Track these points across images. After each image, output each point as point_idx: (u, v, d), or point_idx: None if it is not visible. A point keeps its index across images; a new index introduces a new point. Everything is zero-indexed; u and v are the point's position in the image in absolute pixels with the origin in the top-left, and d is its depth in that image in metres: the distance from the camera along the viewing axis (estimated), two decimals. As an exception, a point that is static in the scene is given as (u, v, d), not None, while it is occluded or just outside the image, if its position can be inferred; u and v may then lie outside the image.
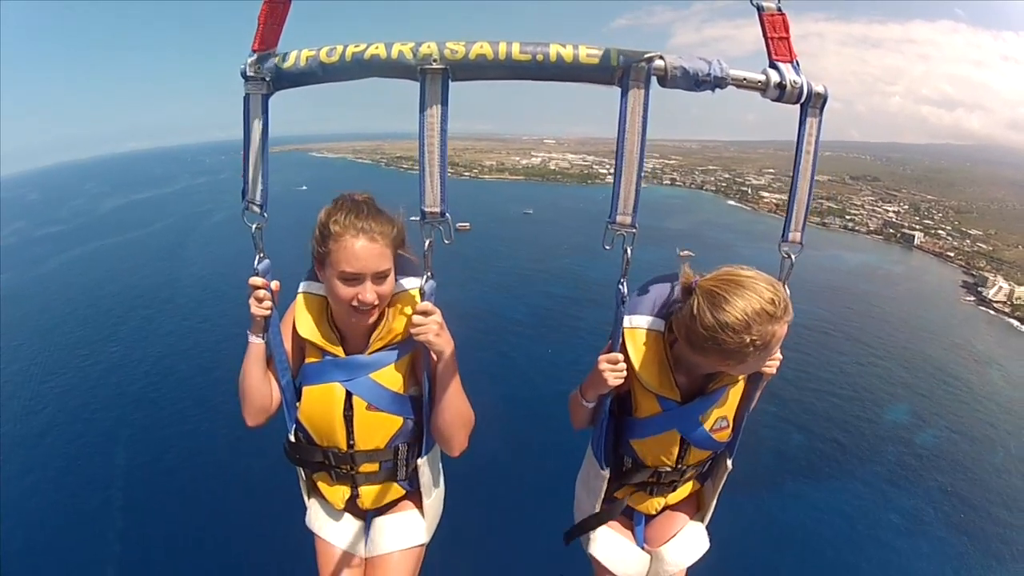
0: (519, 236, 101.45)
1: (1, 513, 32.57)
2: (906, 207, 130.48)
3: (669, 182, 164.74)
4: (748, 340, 1.85)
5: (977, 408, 52.44)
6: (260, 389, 2.17)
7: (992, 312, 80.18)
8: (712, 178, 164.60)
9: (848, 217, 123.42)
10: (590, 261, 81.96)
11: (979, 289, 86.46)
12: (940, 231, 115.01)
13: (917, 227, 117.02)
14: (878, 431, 47.04)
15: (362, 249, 1.99)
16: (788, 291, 1.97)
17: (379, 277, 2.05)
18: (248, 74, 1.81)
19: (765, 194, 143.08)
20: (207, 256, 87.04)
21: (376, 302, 2.06)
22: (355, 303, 2.04)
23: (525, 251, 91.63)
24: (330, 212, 2.05)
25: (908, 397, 53.23)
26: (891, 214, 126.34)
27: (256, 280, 2.03)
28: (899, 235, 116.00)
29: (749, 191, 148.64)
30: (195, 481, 36.13)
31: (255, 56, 1.80)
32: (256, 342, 2.13)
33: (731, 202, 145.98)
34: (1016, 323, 76.62)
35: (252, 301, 2.05)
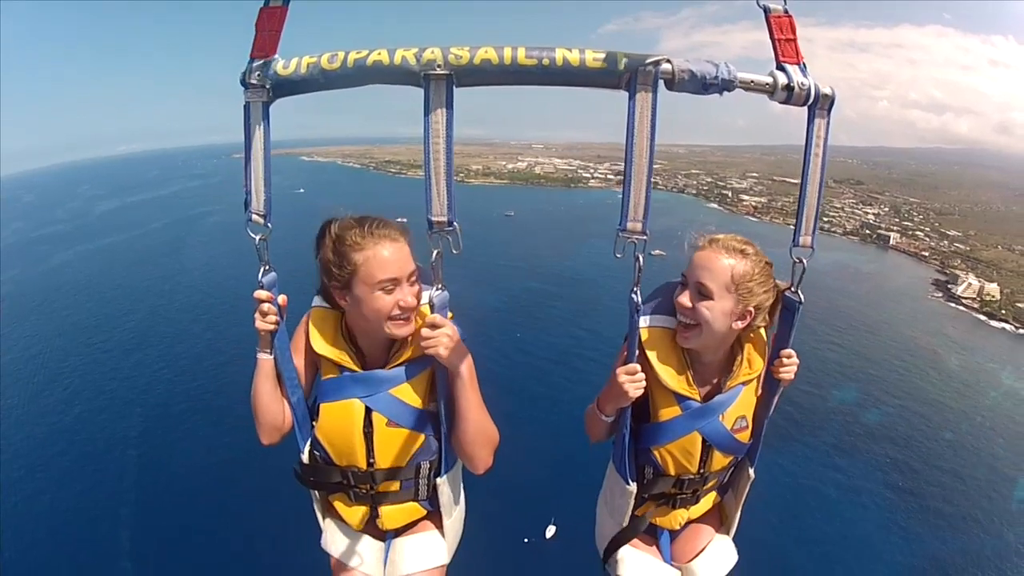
0: (499, 237, 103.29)
1: (3, 516, 32.52)
2: (886, 209, 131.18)
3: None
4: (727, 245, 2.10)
5: (929, 390, 53.49)
6: (271, 407, 2.12)
7: (961, 308, 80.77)
8: (695, 182, 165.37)
9: (825, 219, 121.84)
10: (564, 259, 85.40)
11: (949, 286, 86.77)
12: (919, 232, 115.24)
13: (894, 228, 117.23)
14: (827, 407, 48.28)
15: (392, 253, 1.97)
16: (802, 296, 2.09)
17: (412, 278, 2.02)
18: (248, 82, 1.77)
19: (745, 197, 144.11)
20: (210, 256, 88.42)
21: (416, 304, 2.04)
22: (397, 311, 2.00)
23: (503, 250, 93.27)
24: (343, 228, 2.02)
25: (859, 379, 54.17)
26: (870, 216, 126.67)
27: (261, 293, 1.99)
28: (875, 235, 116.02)
29: (730, 194, 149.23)
30: (206, 491, 35.27)
31: (255, 63, 1.76)
32: (264, 358, 2.08)
33: (711, 205, 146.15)
34: (984, 318, 77.40)
35: (257, 315, 2.00)
